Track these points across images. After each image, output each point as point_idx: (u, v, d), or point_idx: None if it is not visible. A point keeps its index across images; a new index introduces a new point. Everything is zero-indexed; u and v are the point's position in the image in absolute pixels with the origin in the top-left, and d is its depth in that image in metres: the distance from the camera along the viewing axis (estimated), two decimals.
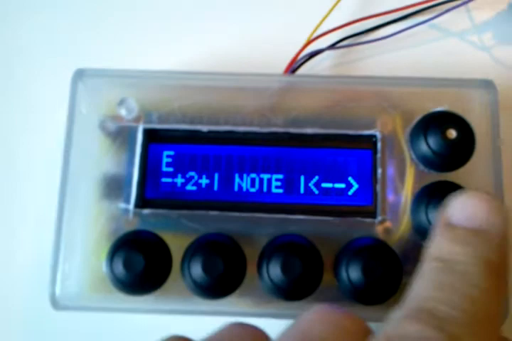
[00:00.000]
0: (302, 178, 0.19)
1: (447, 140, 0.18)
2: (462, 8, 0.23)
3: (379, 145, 0.19)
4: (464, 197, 0.15)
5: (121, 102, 0.19)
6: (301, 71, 0.22)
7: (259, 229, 0.18)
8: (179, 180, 0.19)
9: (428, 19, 0.23)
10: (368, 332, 0.13)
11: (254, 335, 0.14)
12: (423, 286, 0.14)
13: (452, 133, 0.18)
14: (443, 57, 0.23)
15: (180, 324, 0.19)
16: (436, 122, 0.18)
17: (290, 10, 0.24)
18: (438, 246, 0.14)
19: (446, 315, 0.12)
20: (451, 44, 0.24)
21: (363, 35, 0.23)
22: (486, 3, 0.23)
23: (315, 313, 0.14)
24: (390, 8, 0.23)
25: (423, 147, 0.18)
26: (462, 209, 0.14)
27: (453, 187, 0.18)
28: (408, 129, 0.19)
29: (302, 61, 0.22)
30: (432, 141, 0.18)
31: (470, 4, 0.23)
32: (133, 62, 0.20)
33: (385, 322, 0.13)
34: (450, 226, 0.14)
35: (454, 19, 0.23)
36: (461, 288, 0.13)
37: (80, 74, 0.20)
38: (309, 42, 0.22)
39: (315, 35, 0.22)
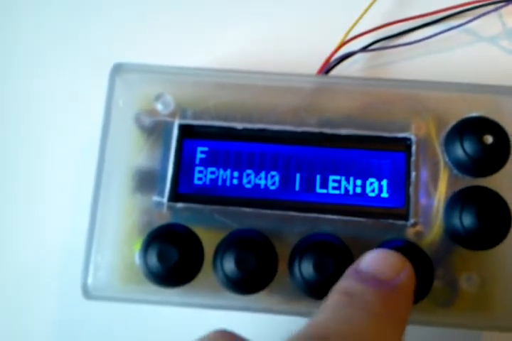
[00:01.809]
0: (335, 179, 0.19)
1: (484, 145, 0.18)
2: (494, 13, 0.23)
3: (413, 148, 0.19)
4: (378, 251, 0.16)
5: (158, 97, 0.20)
6: (333, 72, 0.22)
7: (291, 227, 0.18)
8: (212, 176, 0.19)
9: (460, 24, 0.23)
10: None
11: None
12: (324, 316, 0.15)
13: (489, 139, 0.18)
14: (474, 62, 0.23)
15: (209, 318, 0.20)
16: (473, 127, 0.18)
17: (325, 11, 0.24)
18: (344, 284, 0.16)
19: None
20: (483, 49, 0.24)
21: (395, 39, 0.24)
22: None
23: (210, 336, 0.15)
24: (422, 12, 0.23)
25: (458, 151, 0.18)
26: (373, 260, 0.16)
27: (487, 193, 0.18)
28: (443, 133, 0.19)
29: (335, 62, 0.22)
30: (468, 145, 0.18)
31: (502, 10, 0.23)
32: (170, 59, 0.21)
33: None
34: (359, 270, 0.16)
35: (486, 24, 0.23)
36: (360, 324, 0.14)
37: (118, 69, 0.20)
38: (343, 44, 0.22)
39: (348, 37, 0.22)
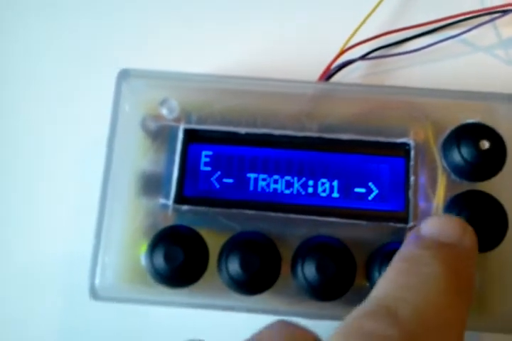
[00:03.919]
0: (336, 182, 0.19)
1: (480, 150, 0.18)
2: (490, 24, 0.24)
3: (412, 153, 0.19)
4: (437, 216, 0.16)
5: (163, 102, 0.20)
6: (333, 79, 0.23)
7: (294, 229, 0.19)
8: (216, 179, 0.20)
9: (457, 34, 0.23)
10: None
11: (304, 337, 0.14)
12: (385, 286, 0.14)
13: (485, 144, 0.18)
14: (470, 70, 0.24)
15: (211, 320, 0.20)
16: (470, 133, 0.19)
17: (325, 20, 0.25)
18: (404, 250, 0.15)
19: (404, 313, 0.13)
20: (479, 58, 0.24)
21: (393, 47, 0.24)
22: None
23: (272, 327, 0.14)
24: (420, 21, 0.23)
25: (456, 156, 0.19)
26: (435, 224, 0.16)
27: (484, 197, 0.18)
28: (440, 139, 0.19)
29: (335, 70, 0.23)
30: (465, 151, 0.18)
31: (497, 21, 0.24)
32: (176, 65, 0.21)
33: (344, 319, 0.13)
34: (420, 236, 0.15)
35: (482, 34, 0.24)
36: (422, 289, 0.14)
37: (124, 75, 0.20)
38: (343, 52, 0.23)
39: (348, 45, 0.23)
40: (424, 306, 0.13)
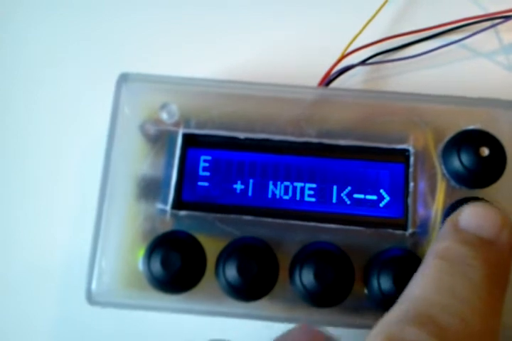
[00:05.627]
0: (335, 188, 0.19)
1: (480, 157, 0.18)
2: (491, 29, 0.24)
3: (412, 159, 0.19)
4: (477, 206, 0.15)
5: (163, 107, 0.20)
6: (333, 84, 0.23)
7: (292, 235, 0.19)
8: (215, 184, 0.20)
9: (458, 39, 0.23)
10: None
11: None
12: (425, 286, 0.14)
13: (485, 151, 0.18)
14: (471, 76, 0.24)
15: (208, 326, 0.20)
16: (470, 140, 0.18)
17: (326, 26, 0.25)
18: (444, 246, 0.15)
19: (447, 323, 0.12)
20: (480, 63, 0.24)
21: (393, 53, 0.24)
22: None
23: (297, 330, 0.14)
24: (420, 27, 0.23)
25: (456, 163, 0.19)
26: (473, 216, 0.15)
27: None
28: (440, 145, 0.19)
29: (335, 75, 0.23)
30: (465, 157, 0.18)
31: (499, 26, 0.24)
32: (176, 69, 0.21)
33: (382, 320, 0.13)
34: (459, 229, 0.15)
35: (483, 40, 0.24)
36: (464, 295, 0.13)
37: (124, 78, 0.20)
38: (343, 57, 0.23)
39: (348, 50, 0.23)
40: (470, 316, 0.13)
